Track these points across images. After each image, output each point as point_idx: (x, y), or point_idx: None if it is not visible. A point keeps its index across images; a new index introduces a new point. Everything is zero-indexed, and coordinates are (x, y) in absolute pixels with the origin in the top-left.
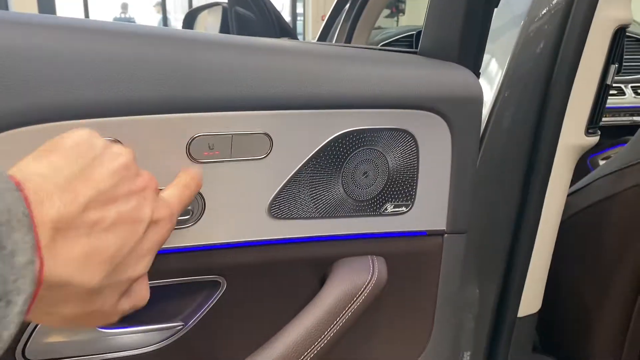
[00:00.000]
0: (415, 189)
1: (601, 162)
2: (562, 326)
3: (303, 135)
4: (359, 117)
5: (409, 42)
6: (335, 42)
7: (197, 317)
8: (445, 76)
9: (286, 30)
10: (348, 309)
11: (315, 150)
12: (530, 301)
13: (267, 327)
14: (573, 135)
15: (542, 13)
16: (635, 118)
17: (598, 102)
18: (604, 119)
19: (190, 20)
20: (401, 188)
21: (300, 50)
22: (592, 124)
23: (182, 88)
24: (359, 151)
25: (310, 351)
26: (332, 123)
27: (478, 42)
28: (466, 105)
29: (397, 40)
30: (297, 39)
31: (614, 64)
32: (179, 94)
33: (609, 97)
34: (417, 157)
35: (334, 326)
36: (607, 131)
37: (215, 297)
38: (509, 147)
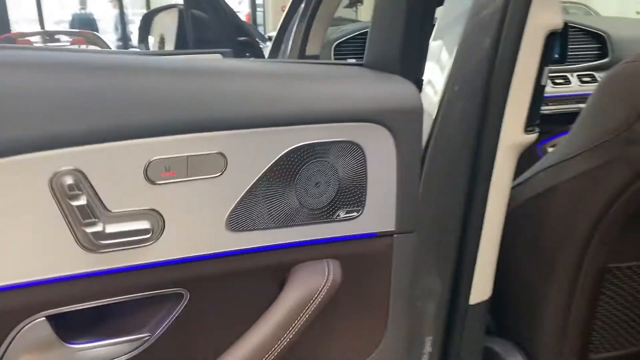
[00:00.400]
0: (365, 195)
1: (549, 149)
2: (513, 310)
3: (256, 152)
4: (310, 132)
5: (363, 40)
6: (294, 35)
7: (163, 328)
8: (388, 90)
9: (242, 29)
10: (306, 311)
11: (269, 165)
12: (481, 289)
13: (231, 334)
14: (513, 133)
15: (479, 22)
16: (581, 105)
17: (534, 102)
18: (552, 107)
19: (147, 22)
20: (351, 195)
21: (252, 71)
22: (530, 123)
23: (137, 115)
24: (310, 164)
25: (271, 353)
26: (284, 139)
27: (419, 53)
28: (408, 116)
29: (352, 38)
30: (255, 37)
31: (547, 66)
32: (134, 122)
33: (557, 87)
34: (365, 166)
35: (293, 327)
36: (556, 118)
37: (180, 309)
38: (454, 147)
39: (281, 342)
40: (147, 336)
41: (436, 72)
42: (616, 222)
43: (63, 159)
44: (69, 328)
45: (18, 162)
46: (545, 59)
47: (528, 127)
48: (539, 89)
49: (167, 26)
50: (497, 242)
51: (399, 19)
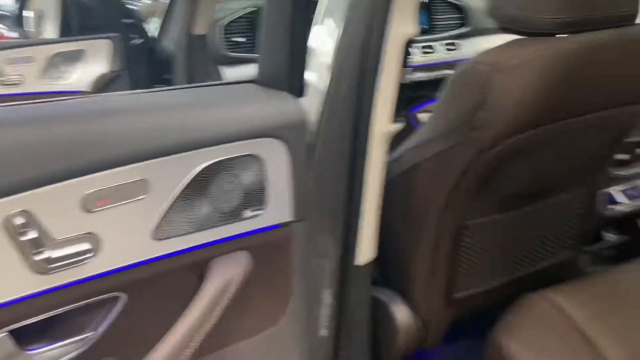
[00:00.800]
0: (266, 195)
1: (419, 116)
2: (394, 265)
3: (173, 174)
4: (217, 152)
5: (250, 18)
6: (182, 15)
7: (106, 326)
8: (279, 108)
9: (126, 12)
10: (225, 294)
11: (185, 183)
12: (367, 251)
13: (166, 325)
14: (382, 125)
15: (351, 31)
16: (447, 72)
17: (398, 98)
18: (421, 74)
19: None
20: (256, 197)
21: (162, 104)
22: (396, 114)
23: (69, 160)
24: (219, 176)
25: (199, 334)
26: (195, 160)
27: (301, 69)
28: (296, 128)
29: (240, 17)
30: (139, 18)
31: (405, 67)
32: (68, 165)
33: (425, 55)
34: (265, 173)
35: (215, 310)
36: (425, 85)
37: (119, 309)
38: (337, 137)
39: (207, 324)
40: (93, 334)
41: (322, 73)
42: (466, 190)
43: (12, 203)
44: (27, 337)
45: None
46: (405, 62)
47: (394, 119)
48: (400, 86)
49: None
50: (377, 210)
51: (284, 42)
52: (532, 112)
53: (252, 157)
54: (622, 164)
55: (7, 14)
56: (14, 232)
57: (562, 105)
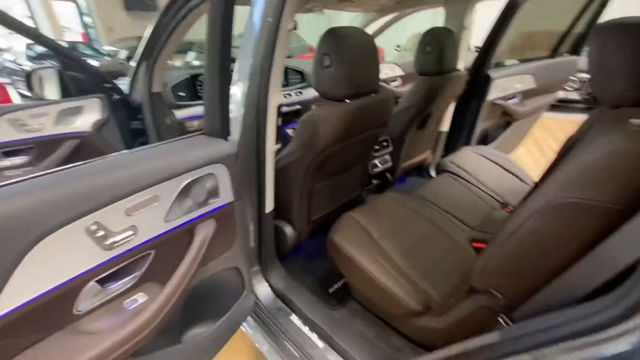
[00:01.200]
0: (219, 190)
1: (288, 131)
2: (285, 206)
3: (171, 190)
4: (192, 174)
5: (188, 81)
6: (142, 76)
7: (145, 269)
8: (218, 147)
9: (105, 79)
10: (204, 244)
11: (177, 192)
12: (269, 203)
13: (175, 266)
14: (270, 145)
15: (250, 93)
16: (298, 106)
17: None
18: (289, 108)
19: (28, 79)
20: (214, 192)
21: (162, 153)
22: (278, 138)
23: (118, 190)
24: (195, 186)
25: (192, 269)
26: (182, 180)
27: (227, 121)
28: (229, 156)
29: (181, 81)
30: (114, 83)
31: (279, 116)
32: (117, 194)
33: (287, 98)
34: (217, 179)
35: (200, 251)
36: (289, 114)
37: (150, 260)
38: (249, 155)
39: (197, 259)
40: (138, 273)
41: (237, 120)
42: (312, 171)
43: (90, 219)
44: (106, 281)
45: (68, 229)
46: (279, 113)
47: (276, 142)
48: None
49: (45, 75)
50: (271, 185)
51: (217, 103)
52: (335, 137)
53: (210, 174)
54: (376, 150)
55: (17, 68)
56: (92, 233)
57: (349, 132)
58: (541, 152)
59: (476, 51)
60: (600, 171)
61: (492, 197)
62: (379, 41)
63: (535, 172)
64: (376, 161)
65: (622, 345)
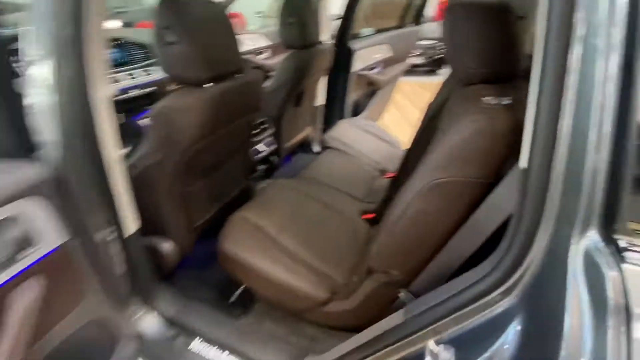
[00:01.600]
0: (37, 236)
1: (140, 122)
2: (155, 223)
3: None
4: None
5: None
6: None
7: None
8: (20, 175)
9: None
10: (31, 312)
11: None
12: (131, 224)
13: None
14: (113, 151)
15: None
16: (147, 90)
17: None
18: (135, 93)
19: None
20: (27, 242)
21: None
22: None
23: None
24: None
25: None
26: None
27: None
28: (36, 186)
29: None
30: None
31: (119, 113)
32: None
33: (132, 80)
34: (29, 222)
35: (27, 329)
36: (139, 100)
37: None
38: (72, 124)
39: (25, 342)
40: None
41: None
42: (182, 172)
43: None
44: None
45: None
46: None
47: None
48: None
49: None
50: (127, 192)
51: (4, 101)
52: (200, 131)
53: (7, 219)
54: (256, 135)
55: None
56: None
57: (215, 124)
58: (402, 115)
59: (335, 19)
60: (466, 151)
61: (373, 166)
62: (236, 7)
63: (401, 135)
64: (258, 147)
65: (508, 300)
